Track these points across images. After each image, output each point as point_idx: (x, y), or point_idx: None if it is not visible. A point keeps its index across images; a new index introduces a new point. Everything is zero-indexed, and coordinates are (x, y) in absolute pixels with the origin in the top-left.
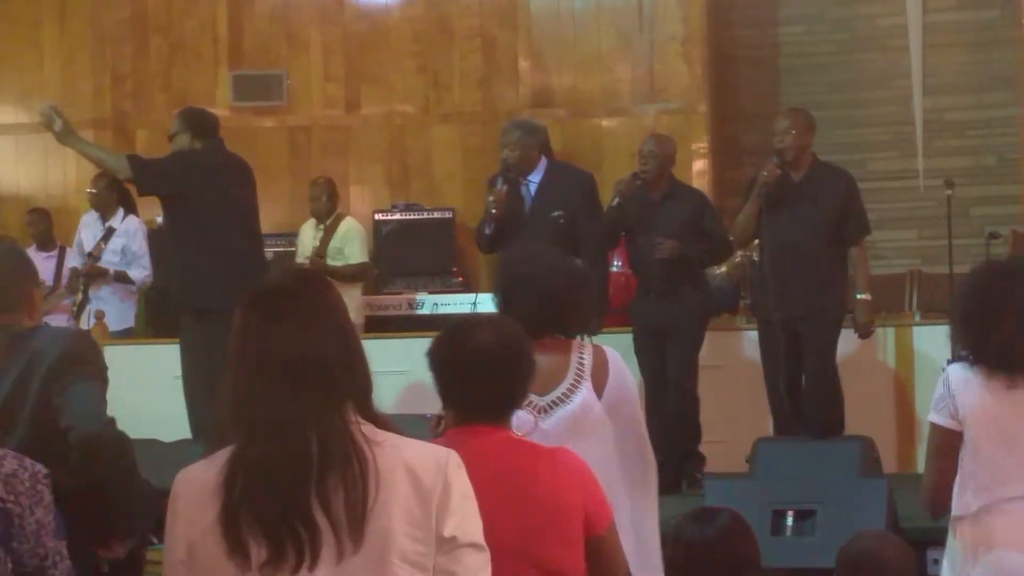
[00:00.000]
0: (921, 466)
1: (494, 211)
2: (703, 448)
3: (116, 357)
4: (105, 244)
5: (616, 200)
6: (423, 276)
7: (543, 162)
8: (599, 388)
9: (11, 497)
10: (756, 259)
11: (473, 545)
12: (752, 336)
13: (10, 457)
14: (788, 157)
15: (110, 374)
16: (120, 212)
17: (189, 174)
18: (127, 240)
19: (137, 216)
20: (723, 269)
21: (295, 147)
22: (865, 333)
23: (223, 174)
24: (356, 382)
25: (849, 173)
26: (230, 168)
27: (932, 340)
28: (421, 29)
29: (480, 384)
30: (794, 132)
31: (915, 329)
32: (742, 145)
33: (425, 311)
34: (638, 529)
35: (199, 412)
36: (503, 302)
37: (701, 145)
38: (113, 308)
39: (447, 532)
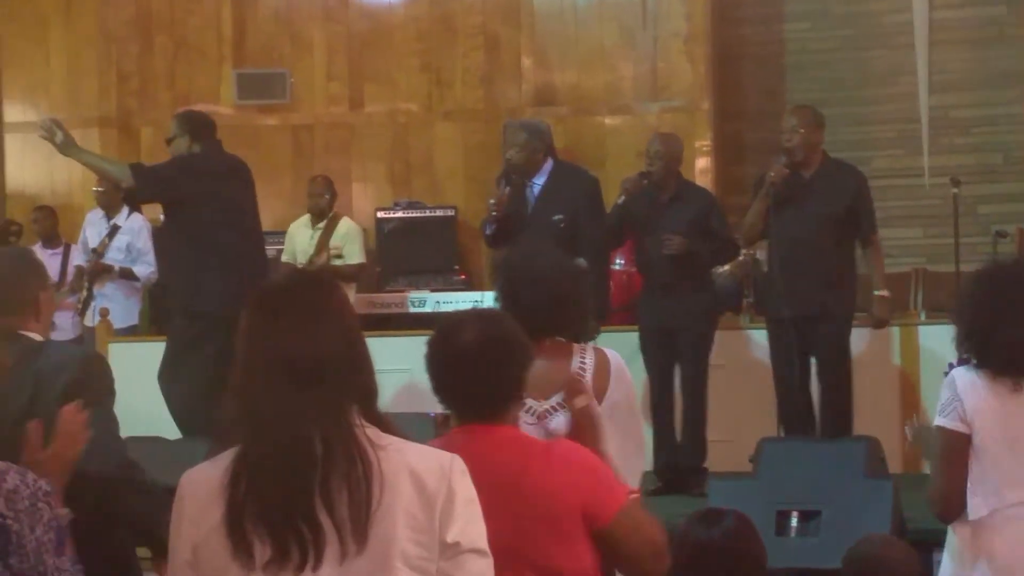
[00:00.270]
0: (927, 466)
1: (495, 212)
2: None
3: (120, 354)
4: (110, 241)
5: (622, 198)
6: (425, 274)
7: (549, 164)
8: (600, 392)
9: (11, 514)
10: (759, 257)
11: (476, 551)
12: (755, 335)
13: (12, 472)
14: (797, 157)
15: (115, 371)
16: (125, 210)
17: (189, 179)
18: (132, 237)
19: (142, 214)
20: (726, 268)
21: (298, 145)
22: (880, 326)
23: (222, 177)
24: (361, 384)
25: (859, 170)
26: (229, 170)
27: (938, 339)
28: (424, 27)
29: (466, 382)
30: (802, 131)
31: (921, 328)
32: (746, 142)
33: (427, 309)
34: None
35: (180, 410)
36: (504, 302)
37: (704, 143)
38: (118, 305)
39: (450, 537)
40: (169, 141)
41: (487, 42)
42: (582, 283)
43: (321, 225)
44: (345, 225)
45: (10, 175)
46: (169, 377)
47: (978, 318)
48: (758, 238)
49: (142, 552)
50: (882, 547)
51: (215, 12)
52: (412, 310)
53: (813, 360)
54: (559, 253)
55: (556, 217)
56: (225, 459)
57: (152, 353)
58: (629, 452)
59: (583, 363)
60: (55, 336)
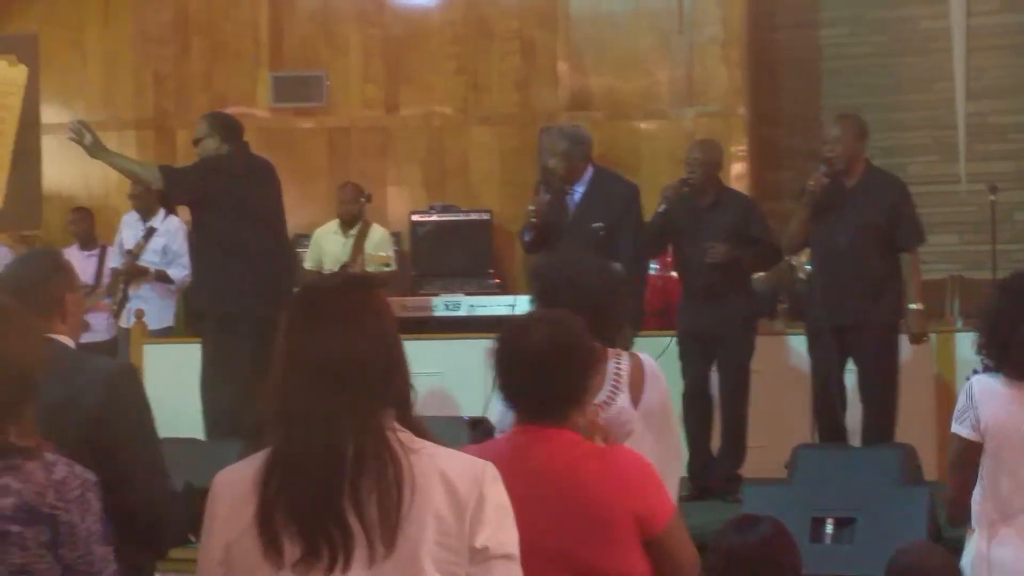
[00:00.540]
0: None
1: (533, 219)
2: None
3: (156, 356)
4: (146, 243)
5: (663, 206)
6: (459, 278)
7: (589, 171)
8: (636, 397)
9: (61, 504)
10: (795, 264)
11: (505, 556)
12: (792, 341)
13: (61, 464)
14: (838, 167)
15: (150, 373)
16: (161, 212)
17: (218, 180)
18: (168, 239)
19: (178, 216)
20: (761, 273)
21: (334, 148)
22: (917, 341)
23: (251, 178)
24: (396, 388)
25: (901, 180)
26: (258, 172)
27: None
28: (460, 31)
29: (536, 383)
30: (844, 141)
31: (957, 335)
32: (782, 148)
33: (461, 313)
34: None
35: (214, 416)
36: (540, 307)
37: (740, 148)
38: (153, 307)
39: (479, 543)
40: (197, 142)
41: (523, 46)
42: (618, 288)
43: (353, 232)
44: (378, 232)
45: (47, 177)
46: (206, 382)
47: (999, 324)
48: (801, 247)
49: (184, 553)
50: (923, 555)
51: (252, 15)
52: (445, 314)
53: (852, 369)
54: (595, 258)
55: (596, 225)
56: (258, 459)
57: (186, 355)
58: (665, 456)
59: (618, 368)
60: (90, 337)
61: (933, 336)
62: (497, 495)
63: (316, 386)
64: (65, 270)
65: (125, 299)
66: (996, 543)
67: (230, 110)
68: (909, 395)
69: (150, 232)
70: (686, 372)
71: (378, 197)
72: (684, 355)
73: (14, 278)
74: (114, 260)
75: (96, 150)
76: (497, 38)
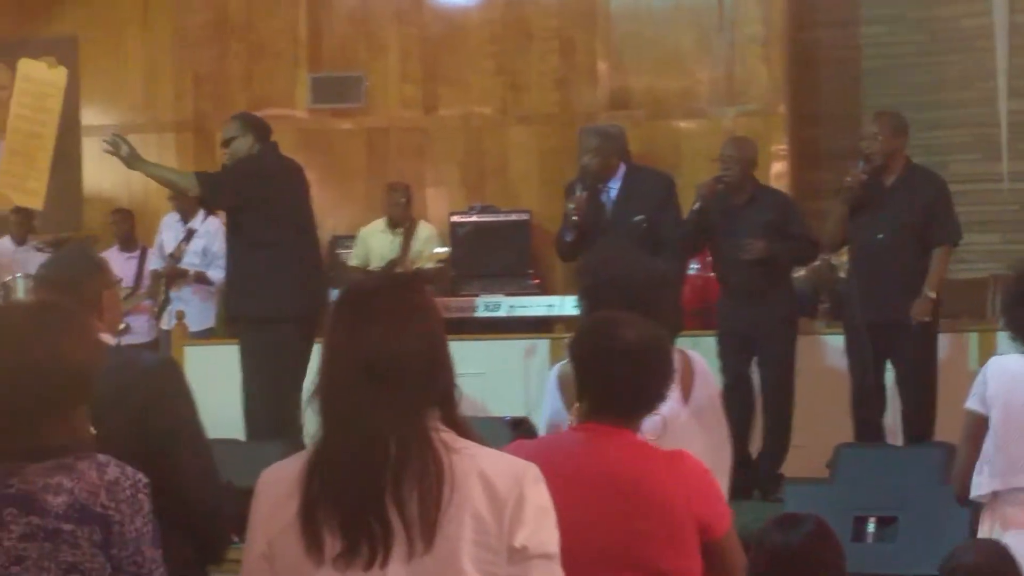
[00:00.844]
0: None
1: (575, 218)
2: None
3: (196, 357)
4: (186, 245)
5: (698, 204)
6: (499, 278)
7: (622, 167)
8: (686, 394)
9: (112, 504)
10: (835, 263)
11: (545, 556)
12: (831, 340)
13: (113, 464)
14: (876, 162)
15: (191, 374)
16: (201, 213)
17: (253, 183)
18: (208, 241)
19: (218, 218)
20: (802, 272)
21: (372, 149)
22: (919, 323)
23: (283, 179)
24: (441, 388)
25: (941, 177)
26: (288, 172)
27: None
28: (499, 31)
29: (622, 381)
30: (881, 137)
31: (999, 335)
32: (822, 147)
33: (501, 313)
34: None
35: (254, 418)
36: (587, 304)
37: (780, 147)
38: (193, 309)
39: (518, 542)
40: (227, 142)
41: (562, 45)
42: (663, 283)
43: (401, 230)
44: (426, 230)
45: (88, 179)
46: (246, 384)
47: (1015, 307)
48: (840, 244)
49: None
50: (980, 554)
51: (291, 16)
52: (485, 314)
53: (890, 367)
54: (642, 255)
55: (638, 218)
56: (302, 456)
57: (227, 356)
58: (716, 452)
59: None
60: (131, 339)
61: (975, 335)
62: (538, 496)
63: (360, 384)
64: (101, 267)
65: (166, 301)
66: (996, 518)
67: (269, 111)
68: (950, 394)
69: (190, 234)
70: (725, 370)
71: (417, 198)
72: (723, 354)
73: (53, 276)
74: (154, 262)
75: (133, 161)
76: (536, 37)
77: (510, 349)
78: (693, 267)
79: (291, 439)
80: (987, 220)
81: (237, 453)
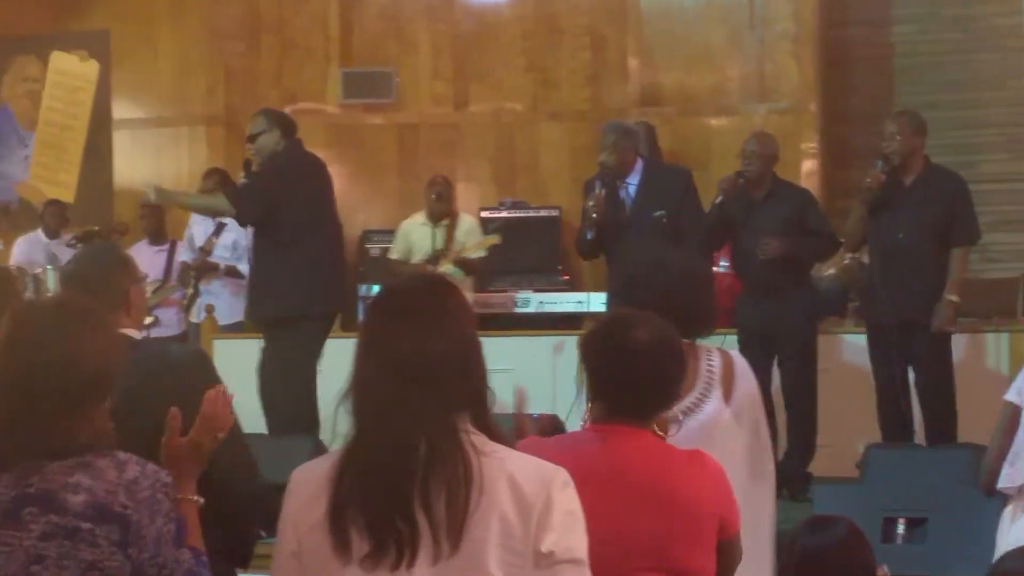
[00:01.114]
0: None
1: (595, 215)
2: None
3: (225, 351)
4: (216, 239)
5: (719, 198)
6: (528, 274)
7: (639, 163)
8: (727, 395)
9: (131, 504)
10: (865, 261)
11: (572, 561)
12: (859, 339)
13: (133, 463)
14: (894, 162)
15: (220, 368)
16: None
17: (284, 186)
18: (238, 235)
19: None
20: (832, 271)
21: (403, 144)
22: (941, 332)
23: (308, 176)
24: (472, 389)
25: (961, 177)
26: (313, 168)
27: None
28: (530, 27)
29: (634, 381)
30: (899, 137)
31: None
32: (853, 146)
33: (530, 309)
34: (755, 535)
35: (275, 414)
36: (618, 303)
37: (811, 145)
38: (223, 302)
39: (544, 547)
40: (253, 138)
41: (593, 42)
42: (701, 279)
43: (445, 223)
44: (468, 222)
45: (118, 172)
46: (268, 380)
47: None
48: (861, 244)
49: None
50: None
51: (322, 11)
52: (515, 310)
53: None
54: (681, 252)
55: (658, 213)
56: (334, 455)
57: (256, 350)
58: (760, 451)
59: (711, 364)
60: (160, 332)
61: (1005, 335)
62: (566, 501)
63: (392, 383)
64: (128, 263)
65: (196, 294)
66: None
67: (300, 106)
68: (979, 395)
69: (220, 228)
70: None
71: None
72: (743, 352)
73: (80, 274)
74: (184, 255)
75: (162, 196)
76: (567, 34)
77: (539, 345)
78: (722, 265)
79: (312, 436)
80: (1017, 220)
81: (263, 448)
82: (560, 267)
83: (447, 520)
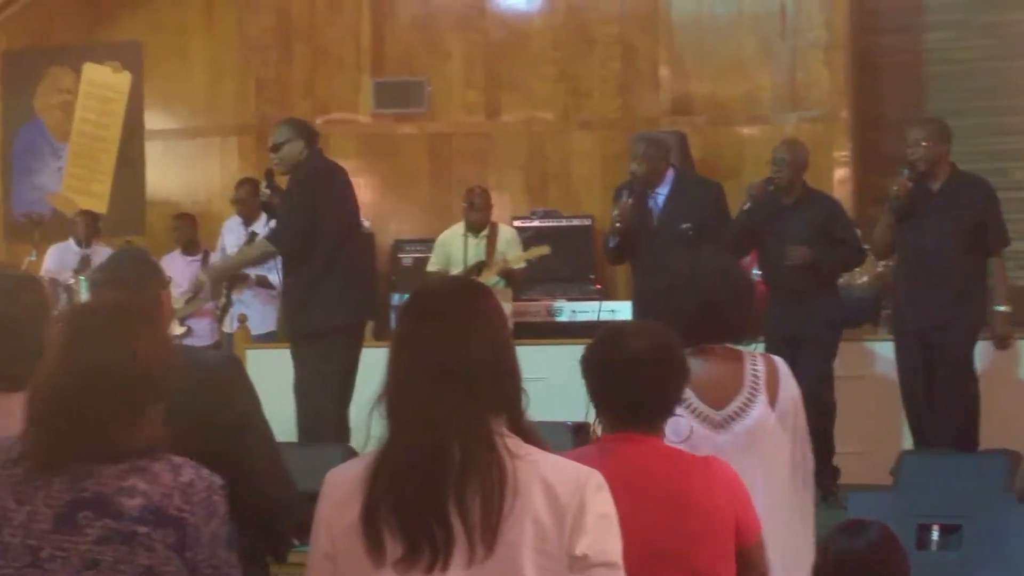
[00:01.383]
0: None
1: (618, 224)
2: (840, 460)
3: (258, 360)
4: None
5: (748, 204)
6: (561, 283)
7: (671, 174)
8: (772, 399)
9: (187, 507)
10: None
11: (606, 564)
12: (889, 347)
13: (188, 467)
14: (920, 168)
15: (253, 377)
16: (263, 217)
17: (314, 200)
18: None
19: None
20: (865, 278)
21: (435, 154)
22: (1003, 345)
23: (332, 185)
24: (506, 393)
25: (988, 182)
26: (335, 177)
27: None
28: (561, 36)
29: (632, 390)
30: (925, 144)
31: None
32: (885, 153)
33: (563, 318)
34: (803, 539)
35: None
36: (663, 310)
37: (843, 153)
38: (255, 312)
39: (579, 551)
40: (277, 147)
41: (624, 51)
42: (745, 288)
43: (484, 234)
44: (508, 232)
45: (151, 182)
46: (301, 390)
47: None
48: (889, 252)
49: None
50: None
51: (354, 21)
52: (549, 319)
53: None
54: (722, 258)
55: (684, 226)
56: (368, 457)
57: (289, 360)
58: (804, 455)
59: (755, 370)
60: (193, 342)
61: None
62: (601, 504)
63: (425, 387)
64: (157, 268)
65: (228, 304)
66: None
67: (332, 116)
68: (1007, 403)
69: (252, 237)
70: None
71: None
72: None
73: (115, 279)
74: None
75: (220, 273)
76: (598, 43)
77: (572, 354)
78: (756, 273)
79: (343, 443)
80: None
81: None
82: (592, 276)
83: (481, 523)
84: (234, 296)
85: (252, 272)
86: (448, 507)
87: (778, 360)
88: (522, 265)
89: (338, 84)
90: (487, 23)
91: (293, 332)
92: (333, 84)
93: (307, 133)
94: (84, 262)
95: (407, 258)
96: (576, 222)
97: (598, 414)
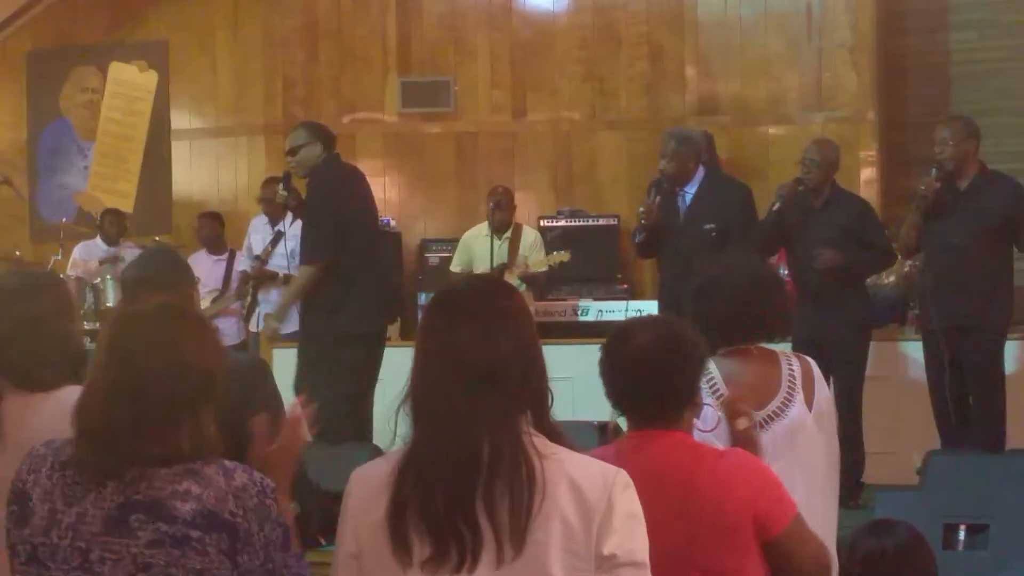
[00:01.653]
0: None
1: (644, 221)
2: (868, 460)
3: (284, 360)
4: (274, 248)
5: (777, 205)
6: (587, 282)
7: (700, 172)
8: (809, 400)
9: (240, 511)
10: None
11: (633, 564)
12: (917, 346)
13: (240, 470)
14: (948, 167)
15: (279, 377)
16: (289, 216)
17: (338, 204)
18: (296, 243)
19: None
20: (892, 279)
21: (462, 153)
22: None
23: (352, 190)
24: (533, 392)
25: (1016, 180)
26: (354, 180)
27: None
28: (588, 36)
29: (641, 386)
30: (952, 143)
31: None
32: (911, 154)
33: (589, 318)
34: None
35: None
36: (694, 311)
37: (869, 153)
38: None
39: (606, 550)
40: (294, 151)
41: (651, 51)
42: (775, 287)
43: (507, 235)
44: (531, 234)
45: (177, 181)
46: (312, 387)
47: None
48: (915, 251)
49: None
50: None
51: (380, 21)
52: (576, 318)
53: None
54: (752, 257)
55: (708, 226)
56: (394, 456)
57: None
58: (836, 459)
59: (792, 370)
60: None
61: None
62: (627, 503)
63: (452, 388)
64: (186, 268)
65: (255, 303)
66: None
67: (358, 115)
68: None
69: (278, 236)
70: None
71: None
72: None
73: (152, 278)
74: (243, 264)
75: (281, 314)
76: (625, 43)
77: (598, 354)
78: (783, 272)
79: (368, 443)
80: None
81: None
82: (619, 276)
83: (510, 524)
84: (260, 295)
85: (280, 271)
86: (476, 507)
87: (811, 361)
88: (543, 269)
89: (365, 83)
90: (514, 22)
91: (309, 336)
92: (360, 83)
93: (324, 137)
94: (111, 259)
95: (433, 257)
96: (602, 222)
97: (618, 414)
